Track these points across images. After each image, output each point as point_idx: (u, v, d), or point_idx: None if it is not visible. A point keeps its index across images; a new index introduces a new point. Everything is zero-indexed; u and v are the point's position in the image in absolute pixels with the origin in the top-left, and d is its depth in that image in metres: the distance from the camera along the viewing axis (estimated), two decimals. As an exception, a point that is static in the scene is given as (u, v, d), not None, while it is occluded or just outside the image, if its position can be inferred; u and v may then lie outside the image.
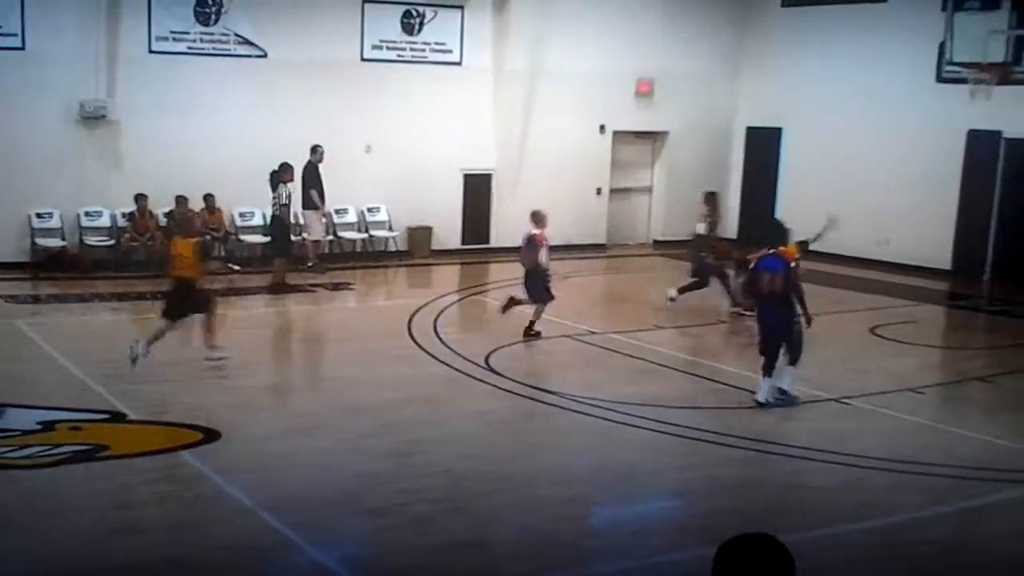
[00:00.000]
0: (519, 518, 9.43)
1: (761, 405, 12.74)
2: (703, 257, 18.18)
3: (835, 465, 11.01)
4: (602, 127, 25.20)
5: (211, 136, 20.76)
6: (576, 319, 16.78)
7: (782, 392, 12.91)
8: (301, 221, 20.55)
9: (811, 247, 13.57)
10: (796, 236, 13.26)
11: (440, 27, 23.33)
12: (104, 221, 20.46)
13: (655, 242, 26.40)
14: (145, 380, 12.88)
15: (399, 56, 23.02)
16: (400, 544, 8.78)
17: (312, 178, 20.23)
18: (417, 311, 17.54)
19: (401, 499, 9.54)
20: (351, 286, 20.25)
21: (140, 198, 20.22)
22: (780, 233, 13.11)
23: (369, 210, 22.83)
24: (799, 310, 12.86)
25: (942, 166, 22.64)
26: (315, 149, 20.19)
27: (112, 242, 20.43)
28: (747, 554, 3.44)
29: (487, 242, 24.21)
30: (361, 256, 22.41)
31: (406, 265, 22.48)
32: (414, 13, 23.02)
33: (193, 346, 13.81)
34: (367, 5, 22.51)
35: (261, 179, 20.13)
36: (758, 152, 26.47)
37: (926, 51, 22.56)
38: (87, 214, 20.32)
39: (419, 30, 23.13)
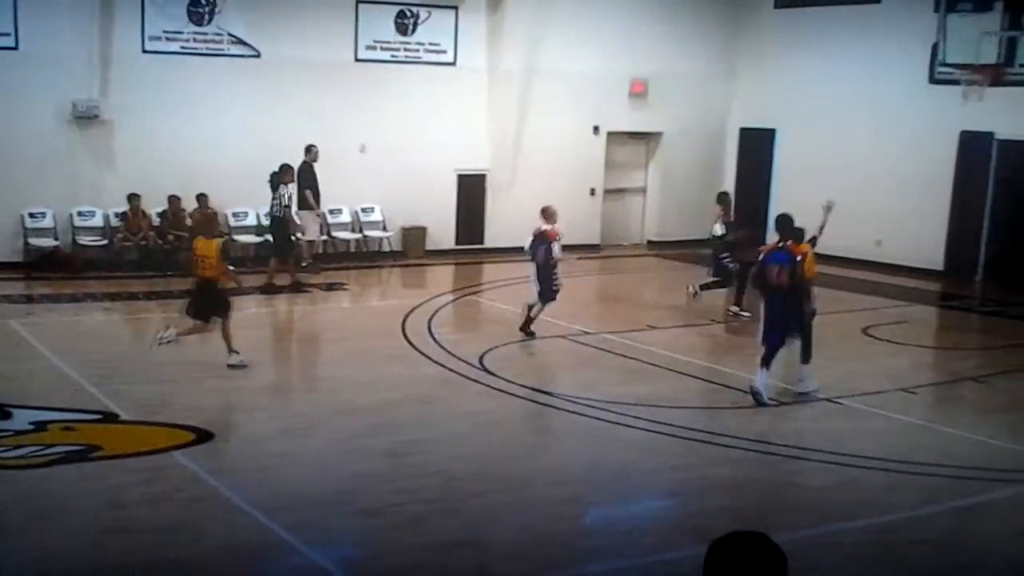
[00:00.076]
0: (513, 518, 9.43)
1: (756, 396, 12.83)
2: (723, 258, 18.14)
3: (829, 465, 11.03)
4: (596, 128, 25.21)
5: (204, 136, 20.74)
6: (570, 319, 16.78)
7: (803, 393, 13.21)
8: (297, 221, 20.53)
9: (816, 240, 14.00)
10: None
11: (434, 27, 23.32)
12: (97, 221, 20.43)
13: (649, 243, 26.43)
14: (138, 380, 12.89)
15: (393, 56, 23.01)
16: (395, 544, 8.77)
17: (307, 178, 20.22)
18: (411, 311, 17.53)
19: (396, 499, 9.54)
20: (345, 286, 20.23)
21: (133, 198, 20.21)
22: (789, 227, 13.24)
23: (363, 210, 22.82)
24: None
25: (935, 167, 22.69)
26: (309, 149, 20.19)
27: (105, 242, 20.40)
28: (738, 552, 3.44)
29: (481, 242, 24.22)
30: (355, 256, 22.40)
31: (400, 265, 22.47)
32: (408, 13, 23.01)
33: (189, 346, 13.75)
34: (361, 5, 22.49)
35: (255, 179, 20.15)
36: (752, 153, 26.50)
37: (919, 52, 22.60)
38: (80, 214, 20.29)
39: (413, 30, 23.13)
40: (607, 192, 25.75)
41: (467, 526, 9.22)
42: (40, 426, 10.97)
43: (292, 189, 19.54)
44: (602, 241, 25.59)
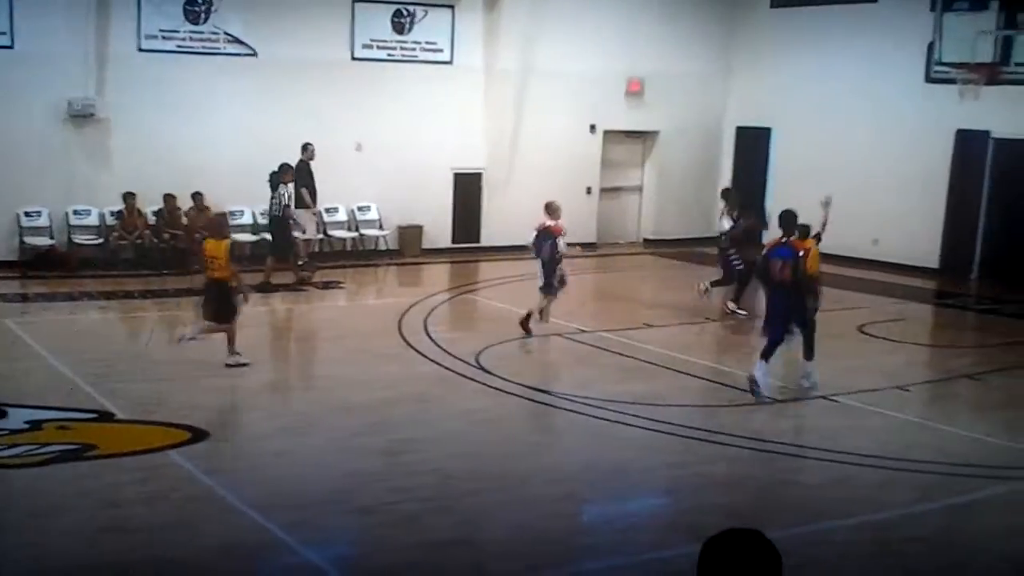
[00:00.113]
0: (509, 516, 9.44)
1: (752, 385, 12.94)
2: (732, 257, 18.16)
3: (824, 462, 11.05)
4: (592, 127, 25.20)
5: (200, 135, 20.73)
6: (566, 318, 16.77)
7: (808, 387, 13.33)
8: (297, 220, 20.52)
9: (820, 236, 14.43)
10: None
11: (431, 26, 23.31)
12: (92, 220, 20.41)
13: (645, 241, 26.43)
14: (133, 379, 12.90)
15: (389, 55, 23.00)
16: (389, 543, 8.78)
17: (303, 177, 20.22)
18: (407, 310, 17.53)
19: (391, 498, 9.54)
20: (341, 285, 20.22)
21: (128, 196, 20.20)
22: (792, 223, 13.48)
23: (360, 209, 22.80)
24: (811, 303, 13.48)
25: (931, 166, 22.71)
26: (306, 148, 20.16)
27: (100, 241, 20.38)
28: (732, 549, 3.43)
29: (477, 241, 24.22)
30: (351, 255, 22.40)
31: (396, 264, 22.45)
32: (404, 12, 23.00)
33: (182, 346, 13.74)
34: (357, 4, 22.49)
35: (251, 178, 20.20)
36: (748, 152, 26.51)
37: (915, 51, 22.61)
38: (75, 212, 20.27)
39: (410, 29, 23.12)
40: (603, 191, 25.74)
41: (462, 524, 9.23)
42: (35, 425, 10.98)
43: (292, 188, 19.55)
44: (598, 240, 25.57)
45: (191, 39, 21.00)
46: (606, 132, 25.44)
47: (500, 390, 13.13)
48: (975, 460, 10.99)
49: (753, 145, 26.25)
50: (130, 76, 20.34)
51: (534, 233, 16.27)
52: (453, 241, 24.05)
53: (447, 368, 14.09)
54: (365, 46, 22.70)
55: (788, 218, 13.59)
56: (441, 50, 23.53)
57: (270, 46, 21.45)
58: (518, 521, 9.31)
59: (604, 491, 10.45)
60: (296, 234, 20.12)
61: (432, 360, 14.46)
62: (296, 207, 20.11)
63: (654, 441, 11.50)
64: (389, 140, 22.56)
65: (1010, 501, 10.28)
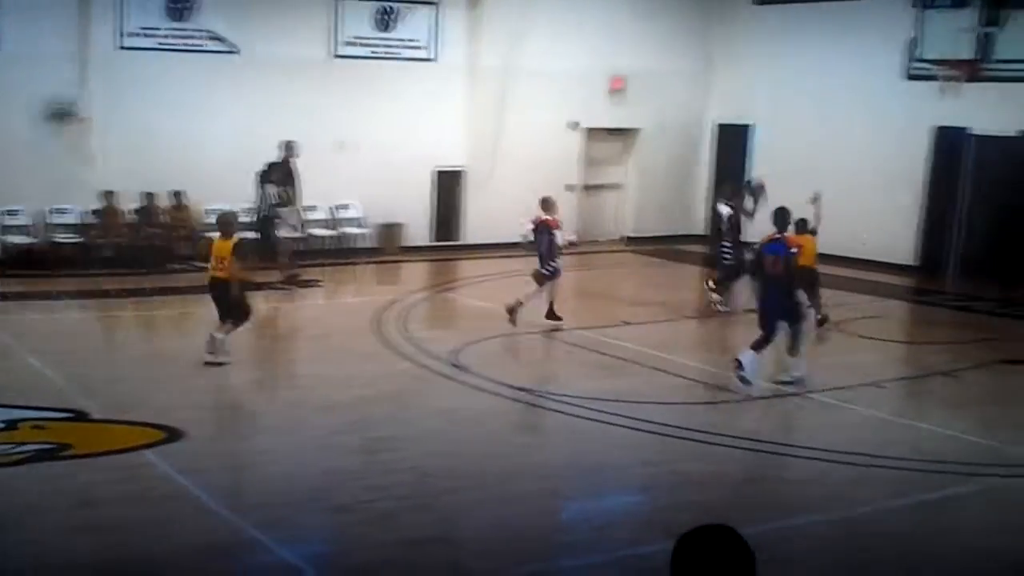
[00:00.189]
0: (486, 514, 9.47)
1: (738, 368, 13.14)
2: (724, 253, 18.30)
3: (799, 459, 11.12)
4: (575, 124, 25.22)
5: (182, 133, 20.67)
6: (542, 316, 16.78)
7: (789, 382, 13.43)
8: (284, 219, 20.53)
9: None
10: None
11: (413, 24, 23.31)
12: (72, 218, 20.38)
13: (627, 238, 26.47)
14: (110, 379, 12.89)
15: (372, 53, 23.00)
16: (366, 541, 8.80)
17: (285, 175, 20.20)
18: (386, 308, 17.54)
19: (368, 496, 9.55)
20: (320, 283, 20.21)
21: (108, 195, 20.16)
22: (785, 220, 13.79)
23: (339, 207, 22.80)
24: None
25: (909, 162, 22.79)
26: (289, 145, 20.14)
27: (80, 239, 20.34)
28: (704, 546, 3.47)
29: (458, 239, 24.25)
30: (331, 253, 22.38)
31: (376, 262, 22.44)
32: (387, 9, 22.99)
33: (161, 344, 13.74)
34: (340, 2, 22.47)
35: (232, 176, 20.18)
36: (728, 149, 26.57)
37: (895, 48, 22.71)
38: (55, 211, 20.23)
39: (392, 26, 23.11)
40: (585, 188, 25.77)
41: (439, 522, 9.25)
42: (10, 424, 10.94)
43: (272, 188, 19.55)
44: (580, 237, 25.59)
45: (173, 37, 20.96)
46: (589, 130, 25.46)
47: (478, 388, 13.15)
48: (949, 457, 11.03)
49: (734, 142, 26.32)
50: (111, 74, 20.28)
51: (530, 227, 16.59)
52: (433, 239, 24.07)
53: (425, 366, 14.11)
54: (348, 43, 22.69)
55: (781, 215, 13.85)
56: (424, 47, 23.54)
57: (252, 44, 21.43)
58: (495, 519, 9.35)
59: (581, 489, 10.49)
60: (283, 233, 20.12)
61: (410, 358, 14.48)
62: (279, 205, 20.12)
63: (631, 439, 11.54)
64: (371, 138, 22.53)
65: (984, 498, 10.33)
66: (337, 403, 12.31)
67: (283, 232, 20.04)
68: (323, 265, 21.31)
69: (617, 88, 25.50)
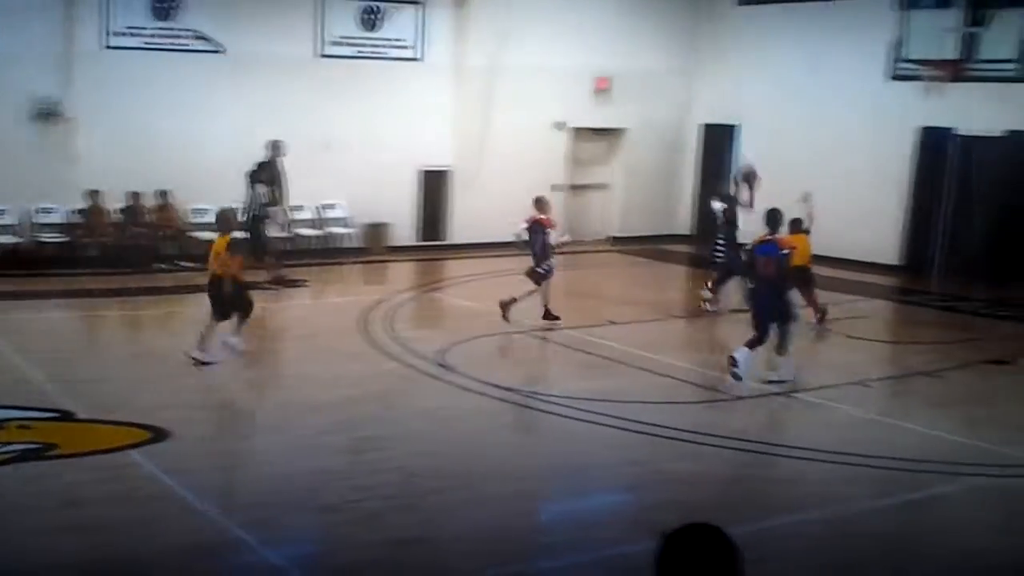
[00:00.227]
0: (471, 514, 9.47)
1: (732, 364, 13.33)
2: (717, 251, 18.41)
3: (785, 458, 11.19)
4: (561, 124, 25.24)
5: (167, 132, 20.62)
6: (530, 315, 16.81)
7: (777, 381, 13.51)
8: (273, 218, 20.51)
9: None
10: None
11: (399, 23, 23.32)
12: (58, 217, 20.33)
13: (612, 238, 26.50)
14: (96, 378, 12.86)
15: (358, 52, 22.99)
16: (351, 541, 8.80)
17: (272, 174, 20.18)
18: (373, 308, 17.54)
19: (354, 496, 9.55)
20: (306, 283, 20.18)
21: (93, 194, 20.12)
22: (777, 220, 14.04)
23: (325, 206, 22.78)
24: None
25: (894, 163, 22.88)
26: (275, 145, 20.12)
27: (66, 239, 20.28)
28: (689, 544, 3.49)
29: (443, 239, 24.26)
30: (317, 253, 22.35)
31: (362, 262, 22.42)
32: (373, 9, 22.99)
33: (148, 344, 13.72)
34: (326, 1, 22.46)
35: (217, 176, 20.16)
36: (714, 149, 26.63)
37: (880, 48, 22.76)
38: (41, 211, 20.18)
39: (378, 26, 23.11)
40: (571, 188, 25.79)
41: (424, 522, 9.25)
42: (-4, 424, 10.93)
43: (263, 188, 19.52)
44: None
45: (158, 36, 20.92)
46: (575, 130, 25.49)
47: (465, 388, 13.16)
48: (935, 456, 11.07)
49: (719, 142, 26.37)
50: (97, 74, 20.23)
51: (524, 226, 16.77)
52: (419, 239, 24.07)
53: (412, 366, 14.12)
54: (334, 43, 22.67)
55: (773, 216, 14.06)
56: (410, 47, 23.54)
57: (238, 43, 21.40)
58: (481, 519, 9.35)
59: (566, 488, 10.52)
60: (273, 232, 20.11)
61: (397, 358, 14.48)
62: (269, 205, 20.09)
63: (617, 438, 11.55)
64: (357, 137, 22.54)
65: (968, 497, 10.36)
66: (323, 403, 12.30)
67: (272, 232, 20.01)
68: (309, 265, 21.28)
69: (602, 88, 25.53)
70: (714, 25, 26.45)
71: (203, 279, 18.87)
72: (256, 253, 19.31)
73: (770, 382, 13.54)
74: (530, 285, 16.65)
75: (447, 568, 8.60)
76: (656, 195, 26.80)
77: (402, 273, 22.11)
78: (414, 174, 23.84)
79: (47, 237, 20.19)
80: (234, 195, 19.88)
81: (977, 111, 21.48)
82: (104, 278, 19.04)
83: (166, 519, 8.99)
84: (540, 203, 17.02)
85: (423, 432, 11.68)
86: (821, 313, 17.17)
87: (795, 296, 14.92)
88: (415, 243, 23.90)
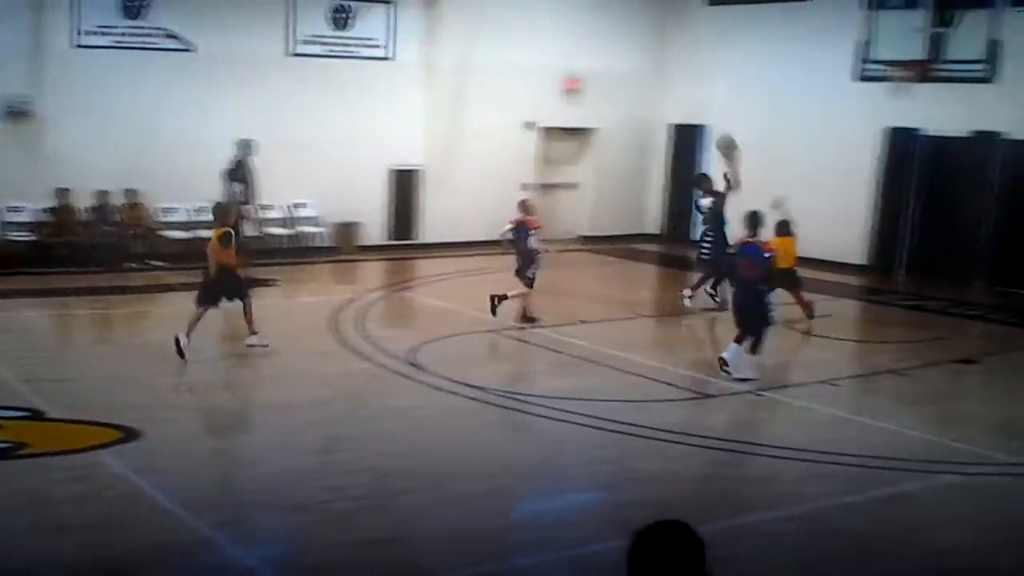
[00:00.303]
0: (441, 514, 9.47)
1: (723, 366, 13.55)
2: (704, 249, 18.54)
3: (753, 456, 11.28)
4: (531, 123, 25.28)
5: (137, 131, 20.54)
6: (502, 314, 16.85)
7: (742, 379, 13.61)
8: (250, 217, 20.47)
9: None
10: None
11: (370, 22, 23.30)
12: (27, 216, 20.21)
13: (582, 237, 26.56)
14: (65, 378, 12.81)
15: (329, 51, 22.97)
16: (321, 541, 8.77)
17: (241, 173, 20.15)
18: (343, 307, 17.53)
19: (324, 496, 9.54)
20: (276, 282, 20.12)
21: (62, 193, 20.03)
22: (758, 222, 14.23)
23: (296, 206, 22.74)
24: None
25: (861, 163, 23.02)
26: (245, 144, 20.08)
27: (34, 237, 20.17)
28: (660, 540, 3.57)
29: (414, 238, 24.27)
30: (287, 252, 22.31)
31: (332, 261, 22.39)
32: (344, 8, 22.97)
33: (118, 345, 13.67)
34: (296, 0, 22.44)
35: (186, 175, 20.11)
36: (683, 149, 26.73)
37: (848, 49, 22.89)
38: (10, 209, 20.06)
39: (349, 25, 23.09)
40: (542, 187, 25.82)
41: (395, 522, 9.25)
42: (-35, 424, 10.89)
43: (239, 186, 19.47)
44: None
45: (129, 35, 20.84)
46: (545, 129, 25.53)
47: (436, 387, 13.17)
48: (903, 454, 11.17)
49: (688, 143, 26.47)
50: (67, 72, 20.13)
51: (508, 227, 16.95)
52: (390, 238, 24.07)
53: (383, 365, 14.13)
54: (304, 42, 22.64)
55: (754, 218, 14.25)
56: (380, 46, 23.53)
57: (208, 42, 21.33)
58: (452, 518, 9.36)
59: (537, 487, 10.56)
60: (249, 231, 20.07)
61: (368, 358, 14.49)
62: (244, 203, 20.05)
63: (586, 436, 11.61)
64: (327, 136, 22.51)
65: (935, 495, 10.46)
66: (294, 402, 12.29)
67: (247, 231, 19.99)
68: (280, 264, 21.22)
69: (572, 88, 25.59)
70: (684, 25, 26.56)
71: (173, 279, 19.07)
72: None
73: (737, 379, 13.62)
74: (521, 287, 16.78)
75: (419, 568, 8.61)
76: (626, 195, 26.90)
77: (373, 272, 22.09)
78: (385, 173, 23.84)
79: (16, 236, 20.06)
80: (205, 194, 19.88)
81: (944, 112, 21.66)
82: (74, 277, 18.94)
83: (136, 519, 8.97)
84: (524, 205, 17.20)
85: (394, 432, 11.69)
86: (810, 311, 17.44)
87: (778, 297, 15.20)
88: (386, 242, 23.89)
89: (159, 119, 20.77)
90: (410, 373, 13.77)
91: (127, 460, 10.18)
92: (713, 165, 25.04)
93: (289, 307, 19.06)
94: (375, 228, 23.79)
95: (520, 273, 16.83)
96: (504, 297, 16.69)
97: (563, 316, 17.44)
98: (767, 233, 15.21)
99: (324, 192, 22.66)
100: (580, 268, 23.66)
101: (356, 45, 23.27)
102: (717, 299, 18.05)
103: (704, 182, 19.15)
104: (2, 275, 18.73)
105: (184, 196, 20.98)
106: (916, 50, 21.84)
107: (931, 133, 22.24)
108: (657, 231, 27.24)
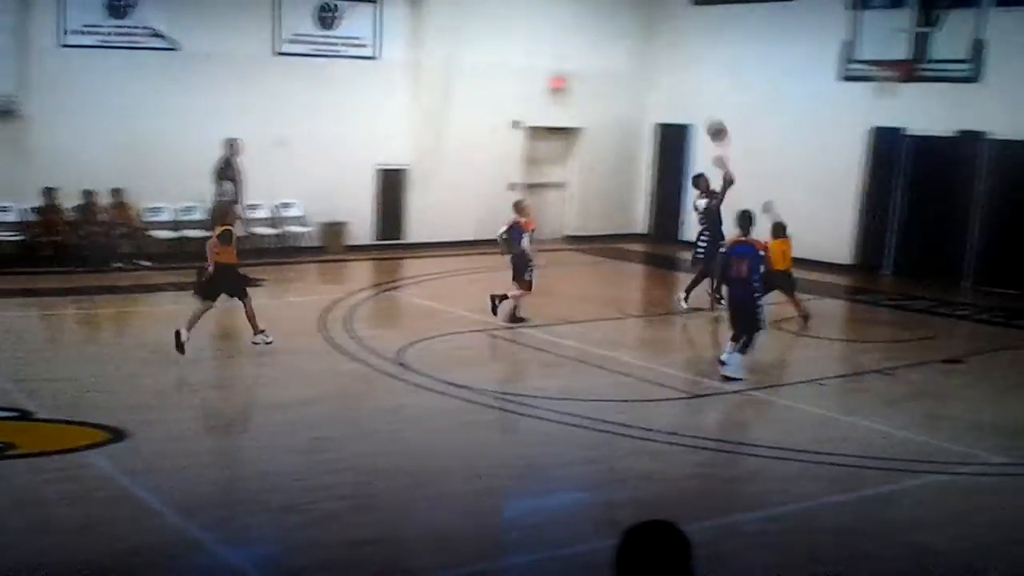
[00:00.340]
0: (428, 513, 9.50)
1: (722, 367, 13.66)
2: (700, 240, 18.56)
3: (739, 455, 11.32)
4: (517, 123, 25.31)
5: (123, 130, 20.52)
6: (488, 314, 16.87)
7: (729, 378, 13.70)
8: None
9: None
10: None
11: (356, 21, 23.31)
12: (13, 216, 20.17)
13: (568, 237, 26.59)
14: (53, 378, 12.79)
15: (315, 50, 22.96)
16: (309, 542, 8.78)
17: (228, 172, 20.13)
18: (330, 307, 17.53)
19: (312, 496, 9.55)
20: (263, 282, 20.06)
21: (49, 192, 20.00)
22: (748, 222, 14.25)
23: (282, 205, 22.72)
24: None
25: (846, 162, 23.10)
26: (231, 143, 20.06)
27: (21, 237, 20.13)
28: (647, 539, 3.60)
29: (401, 238, 24.27)
30: (274, 252, 22.29)
31: (319, 261, 22.38)
32: (330, 7, 22.96)
33: (105, 345, 13.66)
34: (283, -2, 22.48)
35: (173, 174, 20.09)
36: (668, 149, 26.78)
37: (833, 48, 22.93)
38: (-4, 208, 20.09)
39: (335, 24, 23.08)
40: (528, 187, 25.83)
41: (381, 522, 9.28)
42: (-47, 425, 10.87)
43: (231, 185, 19.44)
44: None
45: (114, 34, 20.83)
46: (531, 129, 25.56)
47: (423, 387, 13.19)
48: (889, 453, 11.22)
49: (674, 143, 26.52)
50: (52, 71, 20.12)
51: (503, 229, 17.03)
52: (377, 238, 24.07)
53: (369, 365, 14.14)
54: (290, 41, 22.63)
55: (744, 217, 14.30)
56: (366, 45, 23.53)
57: (193, 41, 21.33)
58: (438, 518, 9.38)
59: (524, 486, 10.57)
60: (239, 230, 20.04)
61: (354, 357, 14.50)
62: (234, 202, 20.02)
63: (573, 436, 11.64)
64: (313, 136, 22.50)
65: (919, 494, 10.48)
66: (282, 403, 12.30)
67: (238, 229, 19.95)
68: (267, 264, 21.16)
69: (558, 87, 25.62)
70: (669, 25, 26.60)
71: (160, 278, 19.06)
72: None
73: (727, 379, 13.67)
74: (522, 287, 16.87)
75: (406, 568, 8.63)
76: (612, 194, 26.94)
77: (360, 272, 22.08)
78: (372, 173, 23.85)
79: (3, 236, 20.02)
80: (191, 194, 19.94)
81: (929, 111, 21.73)
82: (61, 277, 18.93)
83: (123, 520, 8.95)
84: (518, 207, 17.28)
85: (382, 431, 11.72)
86: (804, 314, 17.51)
87: (772, 298, 15.33)
88: (373, 242, 23.89)
89: (145, 118, 20.75)
90: (398, 373, 13.79)
91: (114, 461, 10.18)
92: (699, 164, 25.19)
93: (277, 307, 18.97)
94: (362, 228, 23.79)
95: (518, 278, 16.82)
96: (504, 296, 16.77)
97: (551, 316, 17.46)
98: (762, 235, 15.25)
99: (311, 191, 22.66)
100: (568, 268, 23.68)
101: (342, 44, 23.28)
102: (722, 300, 18.08)
103: (701, 182, 19.14)
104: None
105: (170, 195, 21.00)
106: (901, 50, 21.90)
107: (916, 133, 22.30)
108: (644, 231, 27.30)
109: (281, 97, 22.24)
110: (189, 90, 21.22)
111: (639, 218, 27.51)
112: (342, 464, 10.47)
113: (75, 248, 20.01)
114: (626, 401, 12.97)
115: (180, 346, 13.67)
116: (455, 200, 24.00)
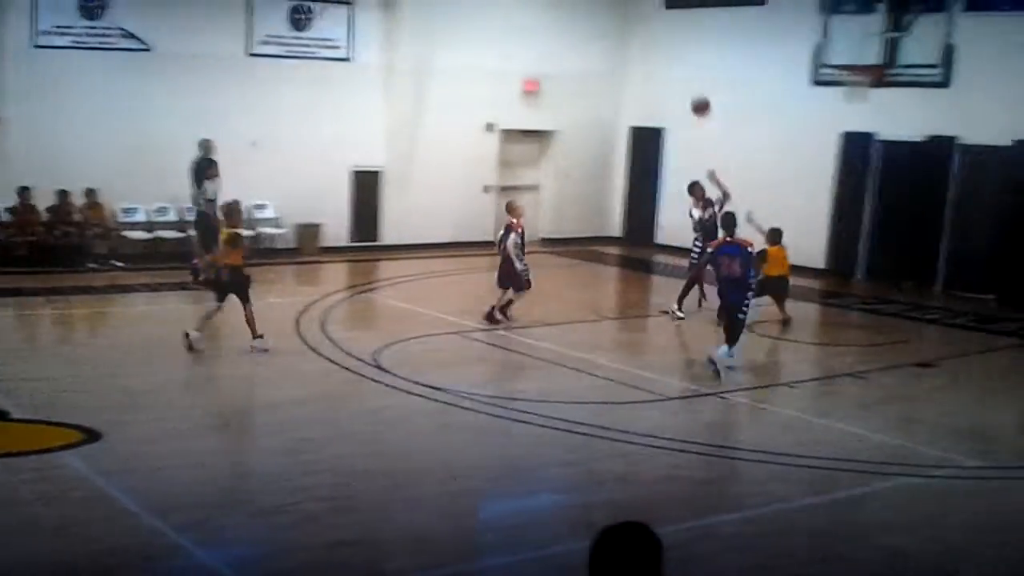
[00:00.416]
0: (407, 515, 9.52)
1: (712, 365, 13.90)
2: (695, 248, 18.57)
3: (713, 458, 11.36)
4: (491, 125, 25.35)
5: (96, 130, 20.47)
6: (463, 316, 16.92)
7: (711, 361, 14.02)
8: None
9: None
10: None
11: (329, 23, 23.29)
12: (-15, 216, 20.11)
13: (542, 240, 26.61)
14: (29, 378, 12.73)
15: (288, 52, 22.93)
16: (287, 543, 8.77)
17: (201, 173, 20.05)
18: (306, 309, 17.51)
19: (290, 498, 9.54)
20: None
21: (22, 192, 19.92)
22: (733, 224, 14.61)
23: (256, 207, 22.67)
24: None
25: (817, 167, 23.21)
26: (204, 144, 20.00)
27: (-5, 237, 20.06)
28: (619, 541, 3.66)
29: (376, 240, 24.26)
30: (248, 253, 22.14)
31: (294, 263, 22.35)
32: (303, 9, 22.94)
33: (81, 345, 13.60)
34: (255, 0, 22.38)
35: (146, 174, 20.02)
36: (642, 152, 26.87)
37: (804, 53, 22.98)
38: (-32, 209, 19.97)
39: (308, 26, 23.06)
40: (502, 189, 25.86)
41: (360, 524, 9.28)
42: (-73, 426, 10.81)
43: (218, 184, 19.40)
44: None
45: (87, 35, 20.75)
46: (504, 131, 25.60)
47: (398, 389, 13.20)
48: (861, 456, 11.29)
49: (648, 145, 26.61)
50: (25, 72, 20.04)
51: (500, 232, 17.33)
52: (352, 240, 24.05)
53: (346, 368, 14.13)
54: (262, 42, 22.60)
55: (729, 219, 14.68)
56: (339, 47, 23.51)
57: (165, 42, 21.26)
58: (417, 519, 9.40)
59: (501, 488, 10.59)
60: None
61: (331, 360, 14.48)
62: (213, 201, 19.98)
63: (549, 438, 11.66)
64: (287, 137, 22.48)
65: (891, 496, 10.57)
66: (259, 404, 12.32)
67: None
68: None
69: (531, 90, 25.67)
70: (642, 28, 26.70)
71: (134, 279, 19.00)
72: (206, 247, 19.20)
73: (724, 370, 13.89)
74: (515, 289, 17.02)
75: (385, 569, 8.66)
76: (586, 197, 27.01)
77: (335, 274, 22.06)
78: (346, 174, 23.83)
79: (-26, 236, 19.93)
80: (165, 194, 19.87)
81: (899, 116, 21.84)
82: (35, 277, 18.83)
83: (99, 521, 8.91)
84: (508, 208, 17.56)
85: (359, 433, 11.72)
86: (786, 320, 17.71)
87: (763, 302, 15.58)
88: (348, 244, 23.87)
89: (118, 119, 20.69)
90: (375, 375, 13.79)
91: (90, 461, 10.14)
92: (673, 167, 25.30)
93: (253, 309, 18.97)
94: (337, 229, 23.78)
95: (502, 281, 16.99)
96: (511, 302, 16.93)
97: (528, 318, 17.50)
98: (757, 237, 15.43)
99: (284, 193, 22.62)
100: (543, 270, 23.60)
101: (315, 46, 23.26)
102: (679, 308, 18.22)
103: (696, 190, 19.19)
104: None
105: (144, 196, 20.93)
106: (872, 54, 21.99)
107: (887, 138, 22.44)
108: (618, 234, 27.38)
109: (254, 98, 22.20)
110: (162, 91, 21.16)
111: (614, 221, 27.59)
112: (320, 465, 10.46)
113: (49, 248, 19.92)
114: (603, 403, 13.00)
115: (190, 346, 14.11)
116: (430, 202, 24.03)
